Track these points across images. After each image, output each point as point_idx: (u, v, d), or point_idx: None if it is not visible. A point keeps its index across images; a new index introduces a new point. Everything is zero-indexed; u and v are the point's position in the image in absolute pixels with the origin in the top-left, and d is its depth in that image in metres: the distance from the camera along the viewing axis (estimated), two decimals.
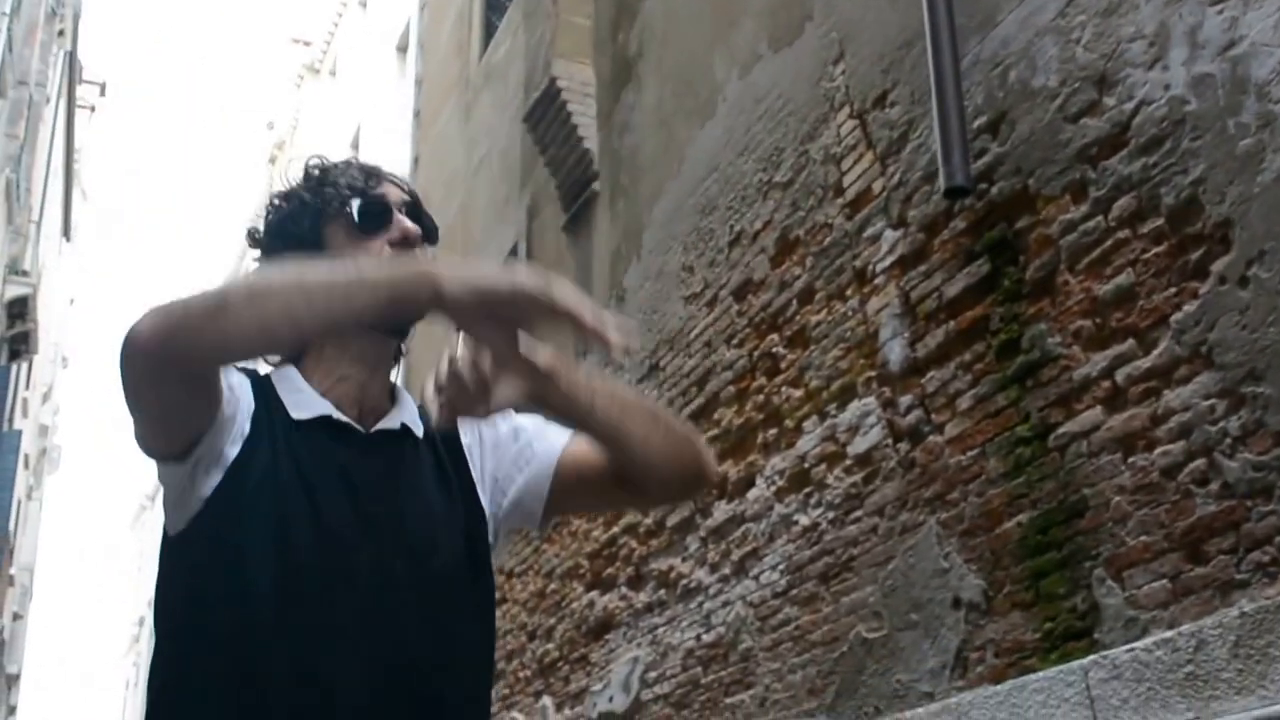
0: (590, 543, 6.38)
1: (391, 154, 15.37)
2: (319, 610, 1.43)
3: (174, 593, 1.48)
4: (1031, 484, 3.66)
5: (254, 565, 1.43)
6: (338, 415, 1.53)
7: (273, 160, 30.43)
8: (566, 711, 6.41)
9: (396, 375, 1.66)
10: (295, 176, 1.65)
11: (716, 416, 5.37)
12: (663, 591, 5.61)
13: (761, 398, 5.08)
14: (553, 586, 6.77)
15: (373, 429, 1.55)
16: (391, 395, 1.61)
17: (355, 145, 19.73)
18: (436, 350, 1.34)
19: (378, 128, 18.32)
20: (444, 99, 10.69)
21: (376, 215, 1.59)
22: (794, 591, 4.68)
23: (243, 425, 1.48)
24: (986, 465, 3.85)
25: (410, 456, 1.58)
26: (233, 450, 1.46)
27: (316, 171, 1.64)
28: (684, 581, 5.44)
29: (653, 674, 5.59)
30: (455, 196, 9.58)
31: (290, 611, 1.42)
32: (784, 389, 4.93)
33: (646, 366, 6.02)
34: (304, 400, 1.54)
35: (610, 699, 5.94)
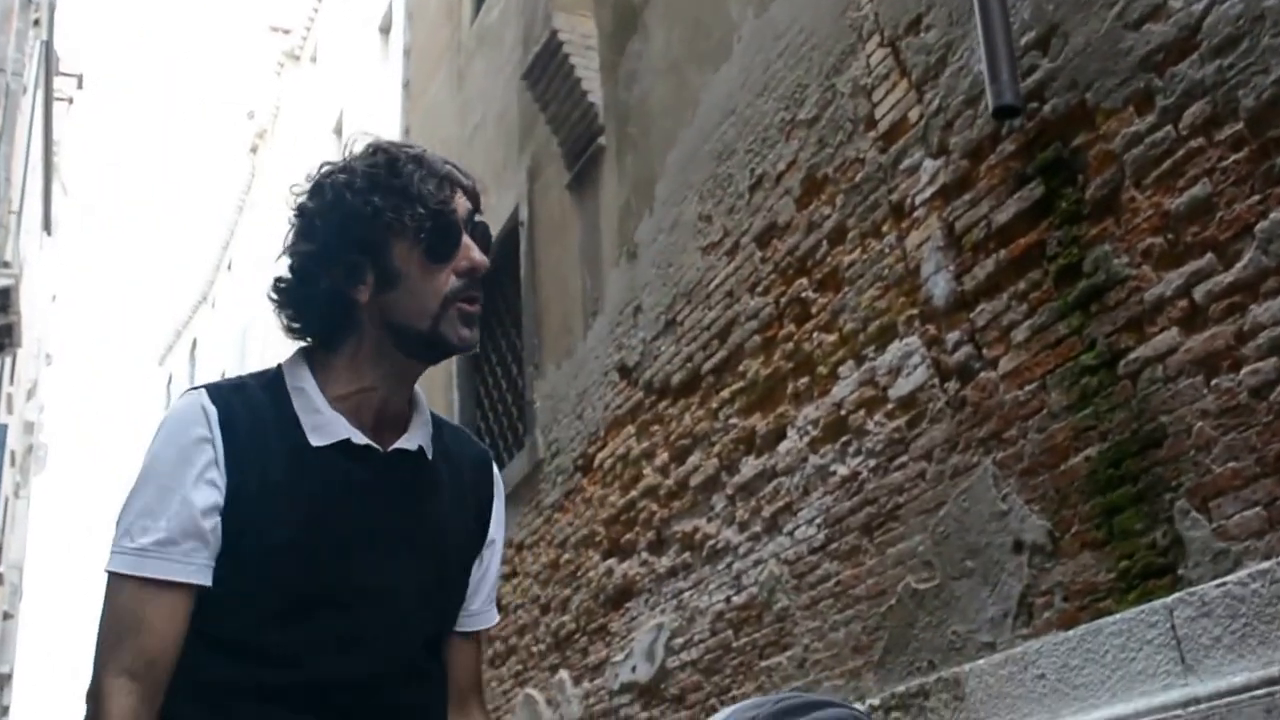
0: (606, 509, 6.13)
1: (377, 134, 15.01)
2: (327, 626, 1.47)
3: None
4: (1100, 415, 3.42)
5: (262, 587, 1.46)
6: (357, 439, 1.51)
7: (254, 149, 30.01)
8: (586, 684, 6.16)
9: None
10: (357, 161, 1.54)
11: (741, 368, 5.12)
12: (687, 554, 5.36)
13: (791, 346, 4.83)
14: (567, 556, 6.52)
15: (389, 448, 1.54)
16: (411, 406, 1.59)
17: (338, 130, 19.44)
18: None
19: (361, 111, 18.04)
20: (435, 68, 10.40)
21: (450, 244, 1.51)
22: (833, 545, 4.44)
23: (218, 479, 1.48)
24: (1047, 399, 3.60)
25: (424, 477, 1.57)
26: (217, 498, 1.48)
27: (383, 163, 1.53)
28: (711, 543, 5.19)
29: (679, 640, 5.35)
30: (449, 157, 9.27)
31: (299, 628, 1.47)
32: (815, 335, 4.68)
33: (662, 323, 5.77)
34: (323, 423, 1.52)
35: (633, 669, 5.69)
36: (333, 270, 1.52)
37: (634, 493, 5.86)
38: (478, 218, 1.56)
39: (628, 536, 5.89)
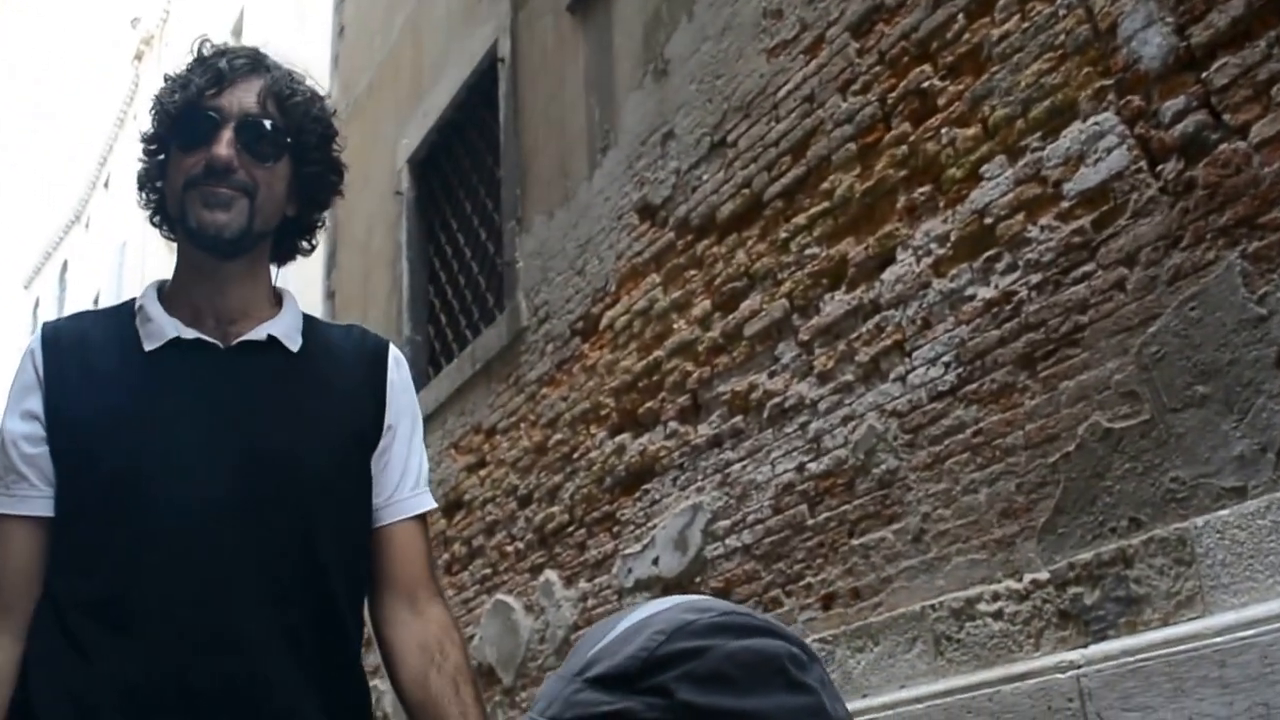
0: (617, 376, 5.09)
1: (286, 26, 13.72)
2: (152, 523, 1.50)
3: None
4: None
5: (90, 492, 1.52)
6: (186, 334, 1.56)
7: (138, 57, 28.09)
8: (582, 584, 5.14)
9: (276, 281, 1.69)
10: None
11: (825, 186, 4.13)
12: (738, 419, 4.37)
13: (903, 150, 3.85)
14: (558, 437, 5.47)
15: (234, 343, 1.57)
16: (278, 305, 1.65)
17: (238, 32, 18.07)
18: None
19: (265, 5, 16.79)
20: None
21: (196, 132, 1.56)
22: (970, 387, 3.49)
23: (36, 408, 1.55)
24: None
25: (283, 369, 1.59)
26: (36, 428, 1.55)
27: (183, 69, 1.61)
28: (774, 402, 4.20)
29: (724, 523, 4.36)
30: (400, 10, 8.09)
31: (122, 528, 1.50)
32: (944, 131, 3.71)
33: (705, 146, 4.74)
34: (154, 329, 1.58)
35: (654, 561, 4.68)
36: (150, 165, 1.64)
37: (659, 353, 4.84)
38: (266, 122, 1.57)
39: (648, 406, 4.87)
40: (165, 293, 1.62)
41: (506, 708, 5.55)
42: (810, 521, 3.98)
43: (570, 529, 5.29)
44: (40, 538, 1.53)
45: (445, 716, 1.60)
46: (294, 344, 1.61)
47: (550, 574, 5.38)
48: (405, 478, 1.68)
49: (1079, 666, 2.98)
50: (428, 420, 6.61)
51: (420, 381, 7.00)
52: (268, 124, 1.57)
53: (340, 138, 1.71)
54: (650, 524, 4.77)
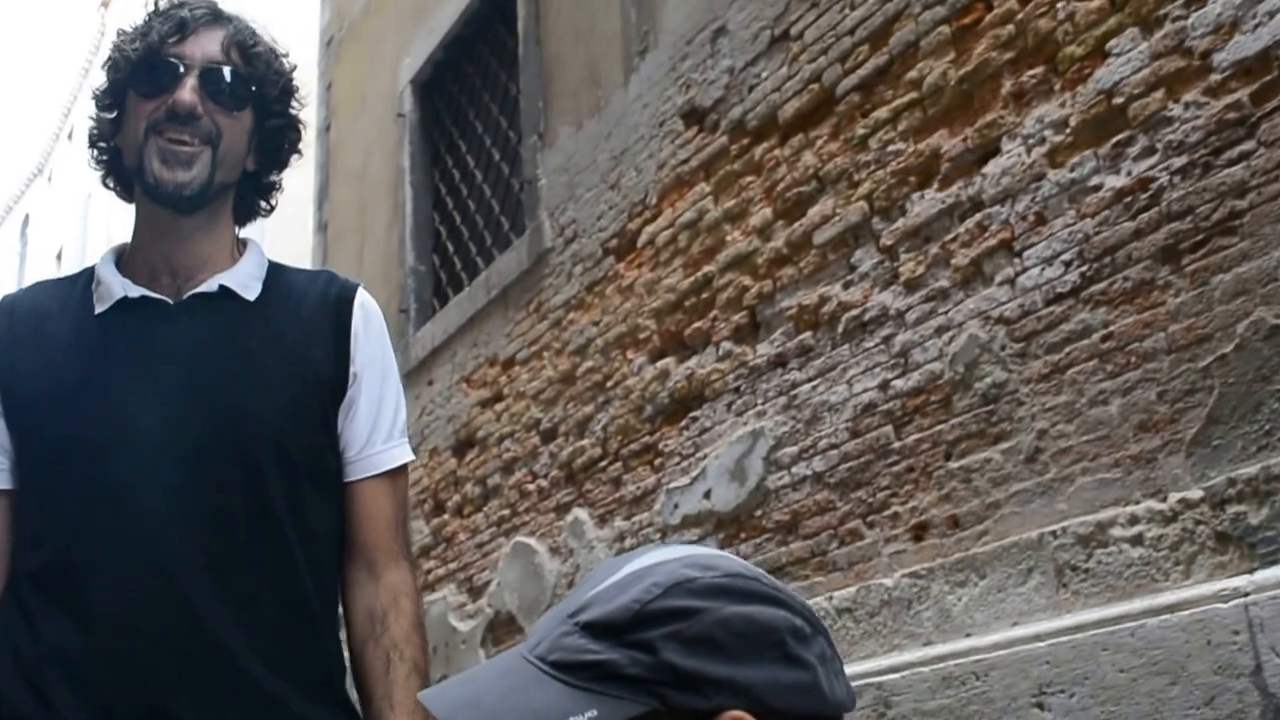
0: (659, 296, 4.67)
1: None
2: (103, 476, 1.46)
3: None
4: None
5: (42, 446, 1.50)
6: (133, 292, 1.53)
7: (105, 4, 27.30)
8: (618, 523, 4.73)
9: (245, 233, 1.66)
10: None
11: (911, 76, 3.71)
12: (807, 336, 3.96)
13: (1008, 29, 3.44)
14: (589, 365, 5.04)
15: (185, 296, 1.54)
16: (238, 257, 1.61)
17: None
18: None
19: None
20: None
21: (151, 80, 1.52)
22: (1098, 287, 3.09)
23: None
24: None
25: (237, 319, 1.55)
26: None
27: (141, 20, 1.57)
28: (850, 315, 3.80)
29: (789, 450, 3.95)
30: None
31: (73, 482, 1.47)
32: (1059, 6, 3.30)
33: (765, 41, 4.31)
34: (104, 291, 1.55)
35: (705, 495, 4.28)
36: (103, 119, 1.59)
37: (710, 268, 4.42)
38: (230, 70, 1.54)
39: (697, 326, 4.45)
40: (123, 254, 1.60)
41: None
42: (897, 444, 3.58)
43: (603, 464, 4.87)
44: (3, 511, 1.53)
45: (370, 693, 1.53)
46: (250, 293, 1.57)
47: (579, 513, 4.96)
48: (376, 431, 1.60)
49: (1246, 594, 2.60)
50: (435, 353, 6.18)
51: (426, 314, 6.56)
52: (231, 71, 1.54)
53: (300, 94, 1.67)
54: (699, 454, 4.36)
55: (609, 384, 4.90)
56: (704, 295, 4.44)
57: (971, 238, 3.46)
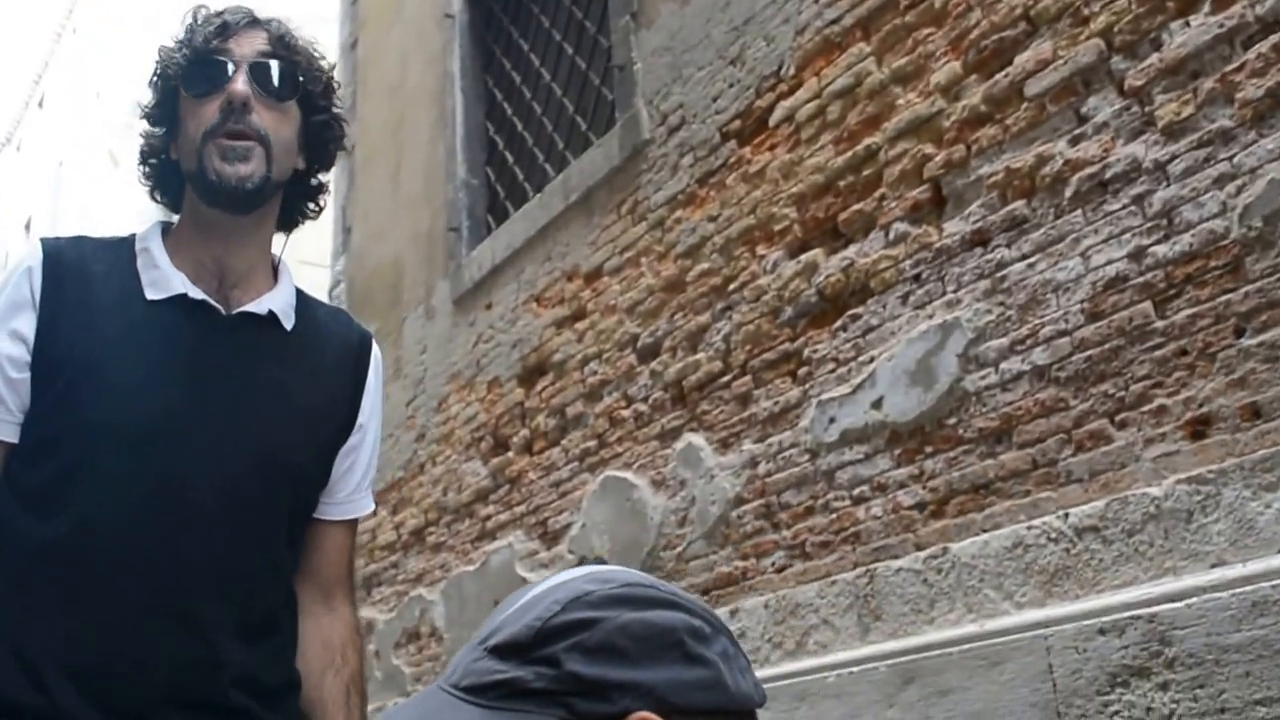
0: (801, 179, 3.96)
1: None
2: (145, 478, 1.46)
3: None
4: None
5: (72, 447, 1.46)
6: (194, 293, 1.53)
7: None
8: (748, 446, 4.01)
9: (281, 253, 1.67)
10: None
11: None
12: (1018, 205, 3.26)
13: None
14: (702, 268, 4.32)
15: (234, 310, 1.55)
16: (275, 277, 1.62)
17: None
18: None
19: None
20: None
21: (208, 78, 1.55)
22: None
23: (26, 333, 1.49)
24: None
25: (276, 345, 1.58)
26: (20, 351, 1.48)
27: (181, 32, 1.59)
28: (1083, 174, 3.11)
29: (997, 342, 3.26)
30: None
31: (109, 476, 1.45)
32: None
33: None
34: (160, 279, 1.54)
35: (874, 404, 3.57)
36: (154, 134, 1.60)
37: (874, 139, 3.72)
38: (278, 62, 1.57)
39: (857, 209, 3.75)
40: (171, 248, 1.57)
41: None
42: (1159, 323, 2.89)
43: (725, 379, 4.16)
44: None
45: (331, 717, 1.60)
46: (289, 322, 1.60)
47: (693, 438, 4.25)
48: (364, 479, 1.69)
49: None
50: (495, 273, 5.46)
51: (480, 232, 5.85)
52: (278, 63, 1.56)
53: (339, 94, 1.70)
54: (862, 358, 3.66)
55: (732, 287, 4.18)
56: (866, 172, 3.74)
57: (1267, 64, 2.77)
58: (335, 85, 1.67)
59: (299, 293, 1.65)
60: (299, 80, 1.58)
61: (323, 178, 1.70)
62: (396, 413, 6.27)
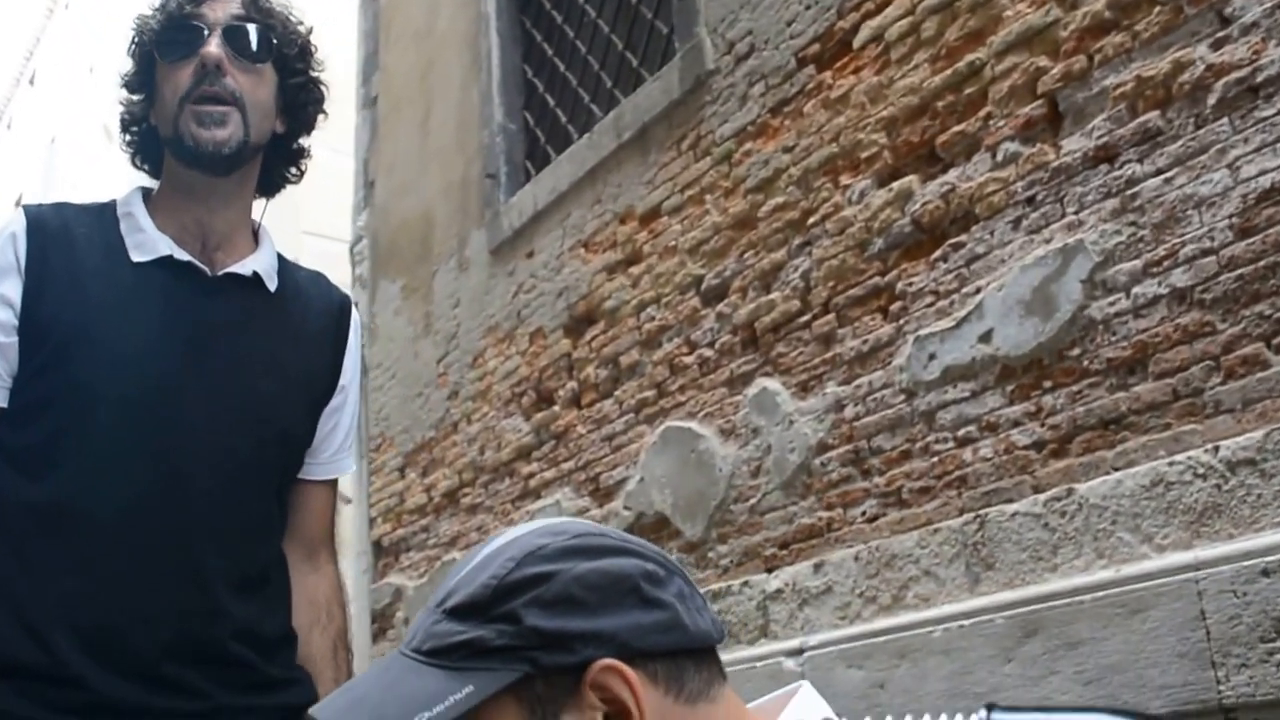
0: (891, 102, 3.68)
1: None
2: (134, 433, 1.47)
3: None
4: None
5: (63, 405, 1.47)
6: (179, 254, 1.54)
7: None
8: (833, 388, 3.74)
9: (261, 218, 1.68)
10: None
11: None
12: (1151, 115, 2.99)
13: None
14: (776, 201, 4.05)
15: (219, 271, 1.57)
16: (256, 241, 1.64)
17: None
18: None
19: None
20: None
21: (177, 44, 1.55)
22: None
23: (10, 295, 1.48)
24: None
25: (261, 306, 1.60)
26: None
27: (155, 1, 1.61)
28: (1227, 80, 2.84)
29: (1130, 264, 2.99)
30: None
31: (105, 434, 1.46)
32: None
33: None
34: (145, 241, 1.55)
35: (982, 337, 3.30)
36: (134, 102, 1.62)
37: (977, 55, 3.44)
38: (252, 25, 1.57)
39: (958, 130, 3.47)
40: (153, 211, 1.59)
41: (690, 568, 4.15)
42: None
43: (803, 319, 3.88)
44: None
45: (321, 675, 1.62)
46: (272, 283, 1.61)
47: (768, 383, 3.97)
48: (346, 439, 1.72)
49: None
50: (538, 219, 5.19)
51: (519, 178, 5.55)
52: (253, 27, 1.57)
53: (318, 57, 1.69)
54: (966, 289, 3.39)
55: (811, 220, 3.91)
56: (968, 91, 3.46)
57: None
58: (313, 48, 1.68)
59: (280, 257, 1.67)
60: (273, 43, 1.59)
61: (304, 142, 1.71)
62: (427, 370, 5.98)
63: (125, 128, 1.64)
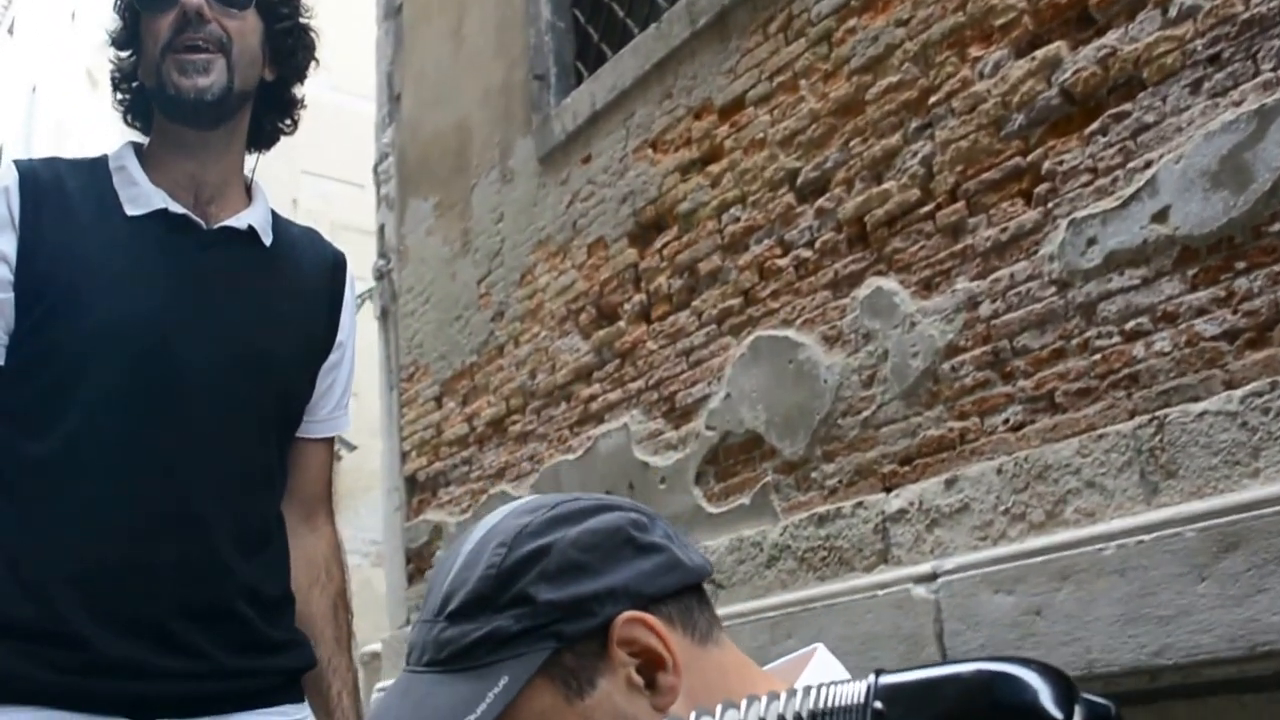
0: None
1: None
2: (137, 393, 1.46)
3: None
4: None
5: (64, 360, 1.45)
6: (175, 208, 1.53)
7: None
8: (963, 284, 3.34)
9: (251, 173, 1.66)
10: None
11: None
12: None
13: None
14: (888, 82, 3.63)
15: (215, 225, 1.56)
16: (248, 196, 1.63)
17: None
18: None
19: None
20: None
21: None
22: None
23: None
24: None
25: (257, 260, 1.59)
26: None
27: None
28: None
29: None
30: None
31: (105, 394, 1.45)
32: None
33: None
34: (139, 195, 1.54)
35: (1156, 216, 2.90)
36: (122, 58, 1.60)
37: None
38: None
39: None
40: (145, 166, 1.57)
41: (789, 490, 3.76)
42: None
43: (925, 209, 3.48)
44: None
45: (321, 635, 1.63)
46: (268, 237, 1.61)
47: (882, 282, 3.57)
48: (344, 396, 1.72)
49: None
50: (594, 121, 4.79)
51: (569, 79, 5.12)
52: None
53: (307, 4, 1.67)
54: (1133, 164, 2.98)
55: (932, 100, 3.49)
56: None
57: None
58: None
59: (273, 213, 1.65)
60: None
61: (296, 91, 1.68)
62: (466, 292, 5.55)
63: (116, 86, 1.63)
